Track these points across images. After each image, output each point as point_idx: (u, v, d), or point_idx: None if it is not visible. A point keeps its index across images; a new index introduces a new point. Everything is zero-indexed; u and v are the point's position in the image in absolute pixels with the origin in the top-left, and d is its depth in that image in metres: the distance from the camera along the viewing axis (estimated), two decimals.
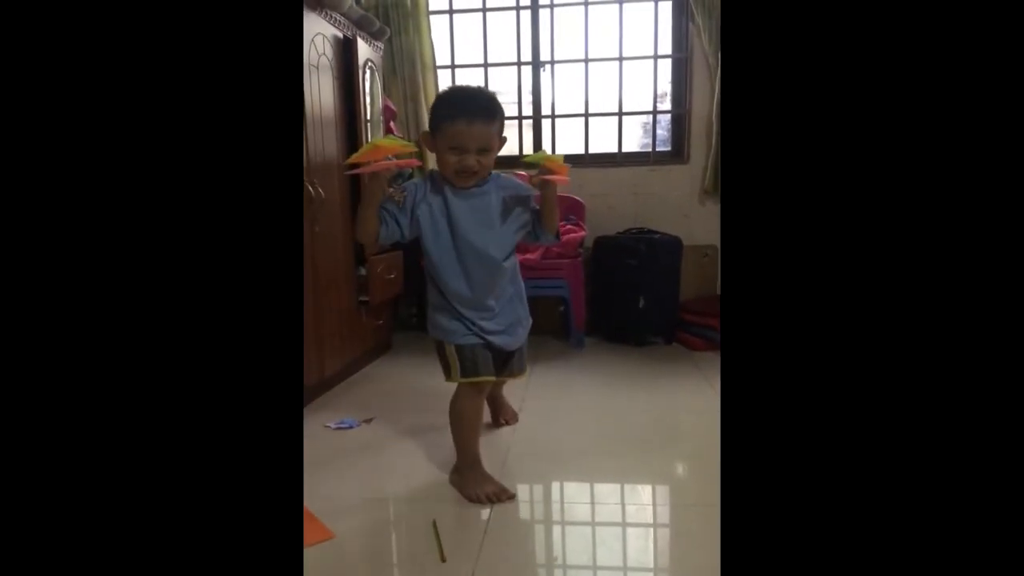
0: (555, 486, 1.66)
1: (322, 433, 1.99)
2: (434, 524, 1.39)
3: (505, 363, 1.68)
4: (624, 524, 1.47)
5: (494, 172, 1.56)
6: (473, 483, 1.54)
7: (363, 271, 2.63)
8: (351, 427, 2.03)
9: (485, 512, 1.48)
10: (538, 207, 1.56)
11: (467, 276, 1.53)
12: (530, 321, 1.70)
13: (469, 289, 1.54)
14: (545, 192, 1.51)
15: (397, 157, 1.36)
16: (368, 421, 2.06)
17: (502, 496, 1.52)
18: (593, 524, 1.47)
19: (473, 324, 1.56)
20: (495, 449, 1.61)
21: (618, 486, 1.65)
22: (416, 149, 1.44)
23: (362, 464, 1.76)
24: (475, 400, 1.59)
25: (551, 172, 1.45)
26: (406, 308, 3.45)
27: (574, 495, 1.63)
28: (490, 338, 1.57)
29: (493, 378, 1.61)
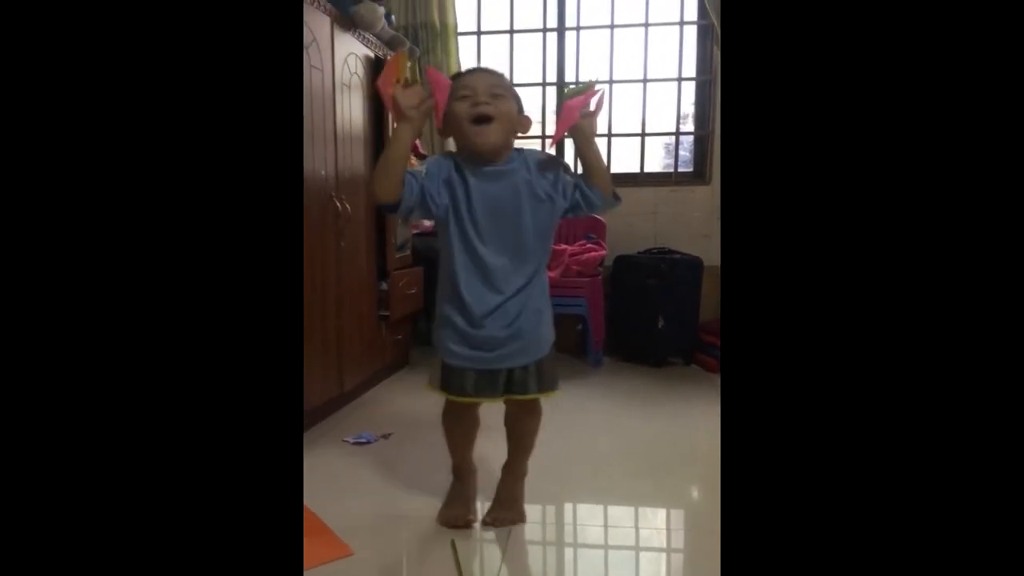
0: (567, 507, 1.67)
1: (340, 447, 2.02)
2: (453, 544, 1.41)
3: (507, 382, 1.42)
4: (637, 548, 1.48)
5: (520, 147, 1.40)
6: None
7: (385, 286, 2.67)
8: (369, 442, 2.05)
9: (504, 532, 1.49)
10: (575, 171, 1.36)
11: (483, 271, 1.35)
12: (549, 333, 1.46)
13: (480, 289, 1.35)
14: (577, 144, 1.30)
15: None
16: (386, 436, 2.09)
17: (457, 523, 1.48)
18: (606, 547, 1.48)
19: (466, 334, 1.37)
20: None
21: (632, 509, 1.65)
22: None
23: (381, 480, 1.78)
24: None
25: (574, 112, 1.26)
26: (425, 323, 3.48)
27: (587, 517, 1.64)
28: (480, 353, 1.38)
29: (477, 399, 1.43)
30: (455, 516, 1.49)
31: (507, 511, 1.52)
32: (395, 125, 1.28)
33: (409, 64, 1.21)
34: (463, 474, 1.57)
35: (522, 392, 1.42)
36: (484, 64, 3.55)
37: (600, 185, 1.34)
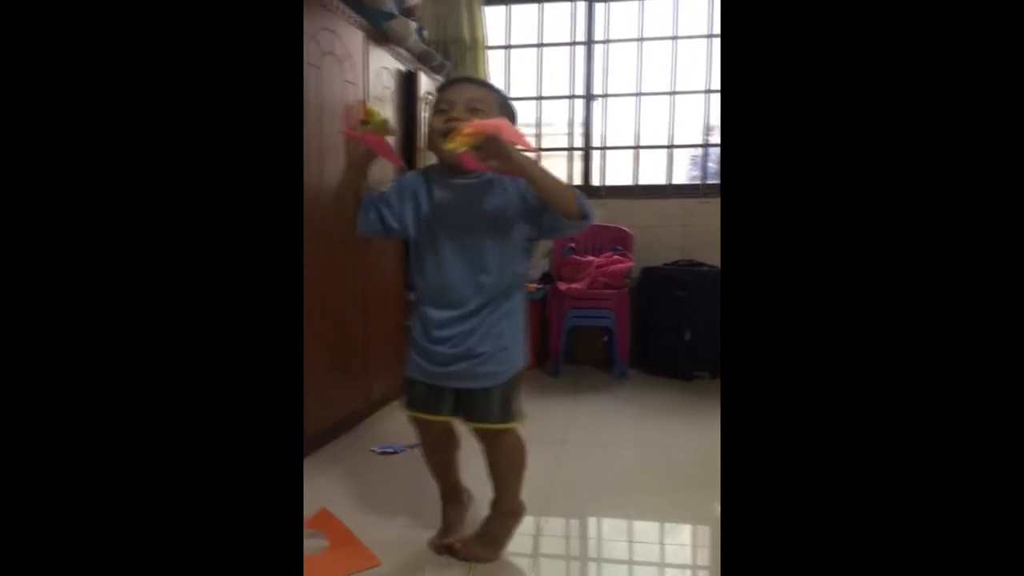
0: (592, 521, 1.67)
1: (368, 457, 2.05)
2: (470, 565, 1.40)
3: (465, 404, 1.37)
4: (663, 564, 1.47)
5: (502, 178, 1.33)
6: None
7: (412, 296, 2.70)
8: (396, 452, 2.07)
9: (528, 546, 1.50)
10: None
11: (439, 285, 1.32)
12: (508, 360, 1.34)
13: (436, 302, 1.33)
14: (506, 167, 1.16)
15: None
16: (412, 447, 2.09)
17: (439, 550, 1.44)
18: (631, 563, 1.48)
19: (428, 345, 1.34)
20: (536, 481, 1.61)
21: (658, 524, 1.65)
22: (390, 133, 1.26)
23: (408, 491, 1.79)
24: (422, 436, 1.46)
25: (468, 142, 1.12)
26: None
27: (612, 532, 1.64)
28: (437, 368, 1.33)
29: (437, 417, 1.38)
30: (435, 541, 1.45)
31: (475, 545, 1.41)
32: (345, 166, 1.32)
33: (377, 115, 1.24)
34: (447, 498, 1.52)
35: (481, 420, 1.35)
36: (513, 77, 3.59)
37: (555, 205, 1.21)
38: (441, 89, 1.35)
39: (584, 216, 1.23)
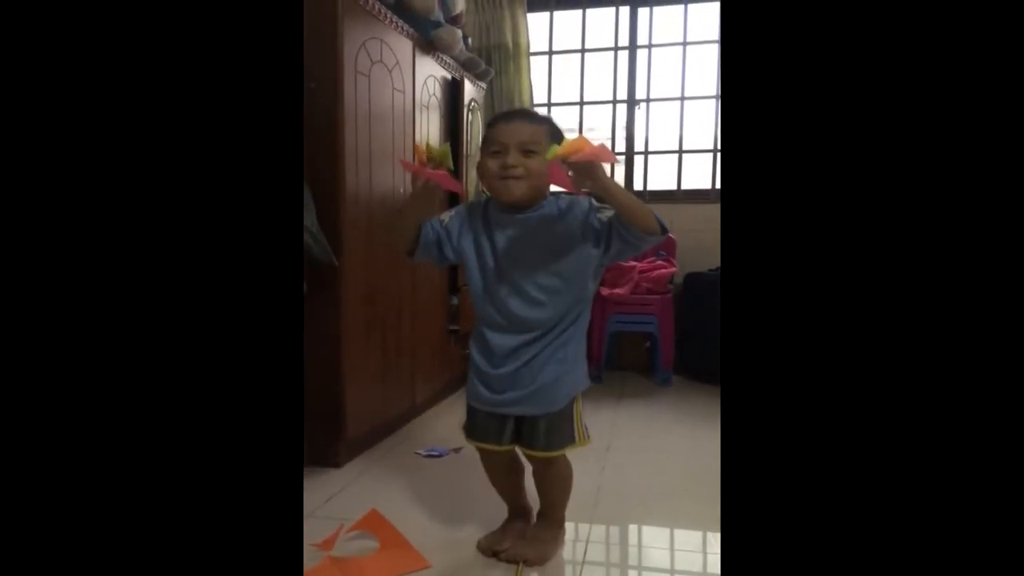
0: (632, 528, 1.67)
1: (413, 459, 2.08)
2: (518, 566, 1.42)
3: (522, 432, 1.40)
4: (704, 574, 1.47)
5: (555, 194, 1.36)
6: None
7: (455, 300, 2.73)
8: (441, 455, 2.10)
9: (572, 552, 1.51)
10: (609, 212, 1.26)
11: (503, 314, 1.35)
12: (568, 384, 1.38)
13: (500, 331, 1.35)
14: (596, 188, 1.17)
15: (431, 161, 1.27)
16: (457, 450, 2.13)
17: (487, 552, 1.47)
18: (672, 571, 1.48)
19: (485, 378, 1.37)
20: (581, 487, 1.59)
21: (700, 533, 1.64)
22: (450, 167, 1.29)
23: (454, 494, 1.82)
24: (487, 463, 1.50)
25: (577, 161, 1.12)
26: None
27: (652, 540, 1.64)
28: (496, 396, 1.36)
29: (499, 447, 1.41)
30: (484, 543, 1.49)
31: (523, 548, 1.45)
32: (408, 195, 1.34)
33: (438, 148, 1.28)
34: (513, 513, 1.56)
35: (536, 447, 1.38)
36: (555, 82, 3.61)
37: (636, 224, 1.20)
38: (490, 124, 1.36)
39: (664, 231, 1.23)
